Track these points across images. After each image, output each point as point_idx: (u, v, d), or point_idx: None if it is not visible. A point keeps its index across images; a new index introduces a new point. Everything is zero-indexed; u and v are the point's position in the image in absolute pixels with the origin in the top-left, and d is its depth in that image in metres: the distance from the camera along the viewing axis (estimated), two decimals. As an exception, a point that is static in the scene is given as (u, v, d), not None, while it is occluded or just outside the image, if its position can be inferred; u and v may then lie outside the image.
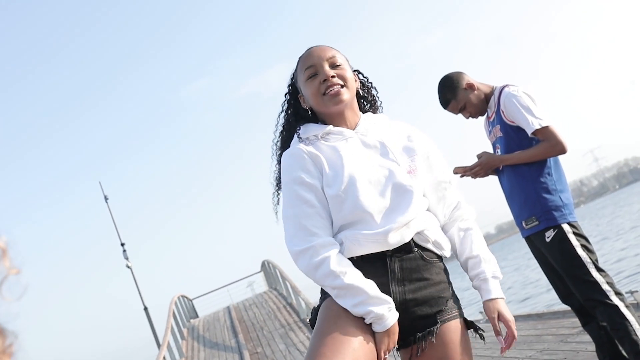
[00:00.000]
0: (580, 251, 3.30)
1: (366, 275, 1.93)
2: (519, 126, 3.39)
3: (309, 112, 2.19)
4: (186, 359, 15.77)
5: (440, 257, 2.08)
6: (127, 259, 22.37)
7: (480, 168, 3.55)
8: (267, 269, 23.75)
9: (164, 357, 13.24)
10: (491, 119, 3.60)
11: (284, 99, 2.24)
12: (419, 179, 2.05)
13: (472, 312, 15.51)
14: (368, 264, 1.96)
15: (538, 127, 3.30)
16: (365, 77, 2.29)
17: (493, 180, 3.68)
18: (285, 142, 2.22)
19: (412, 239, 1.99)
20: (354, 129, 2.12)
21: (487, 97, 3.58)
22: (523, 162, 3.40)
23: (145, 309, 21.54)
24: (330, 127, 2.10)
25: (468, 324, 2.06)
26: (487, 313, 2.04)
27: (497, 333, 2.02)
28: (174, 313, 18.06)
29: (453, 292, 2.08)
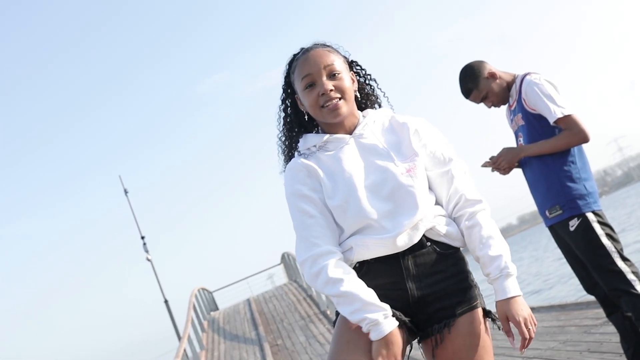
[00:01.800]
0: (605, 240, 3.26)
1: (380, 275, 1.99)
2: (540, 114, 3.35)
3: (306, 116, 2.18)
4: (207, 351, 15.85)
5: (456, 248, 2.06)
6: (147, 252, 22.53)
7: (503, 159, 3.51)
8: (287, 261, 23.79)
9: (184, 350, 13.30)
10: (513, 108, 3.56)
11: (281, 101, 2.22)
12: (421, 177, 2.03)
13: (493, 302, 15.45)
14: (381, 264, 1.99)
15: (560, 115, 3.26)
16: (364, 70, 2.24)
17: (516, 171, 3.64)
18: (287, 154, 2.22)
19: (423, 235, 2.00)
20: (352, 132, 2.12)
21: (509, 86, 3.54)
22: (545, 152, 3.36)
23: (166, 301, 21.67)
24: (328, 136, 2.10)
25: (486, 313, 2.05)
26: (497, 314, 2.00)
27: (508, 334, 1.97)
28: (194, 305, 18.14)
29: (472, 281, 2.06)
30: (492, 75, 3.54)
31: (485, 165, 3.59)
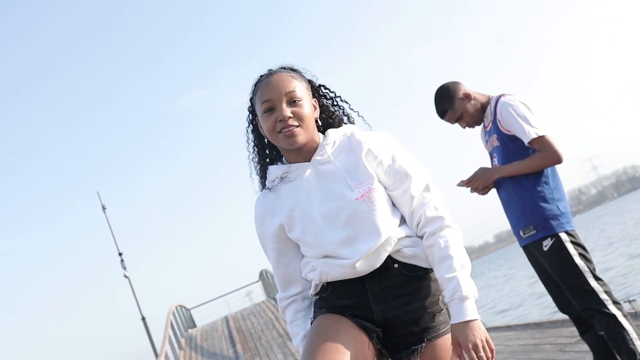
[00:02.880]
0: (578, 260, 3.29)
1: (346, 296, 2.01)
2: (515, 135, 3.39)
3: (266, 139, 2.18)
4: (184, 369, 15.70)
5: (427, 269, 2.02)
6: (124, 268, 22.35)
7: (477, 180, 3.54)
8: (265, 278, 23.72)
9: (161, 367, 13.18)
10: (488, 129, 3.60)
11: (247, 121, 2.20)
12: (379, 200, 1.99)
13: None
14: (346, 285, 2.00)
15: (534, 136, 3.30)
16: (332, 93, 2.20)
17: (493, 190, 3.67)
18: (260, 178, 2.21)
19: (389, 256, 1.97)
20: (311, 159, 2.08)
21: (484, 107, 3.58)
22: (519, 173, 3.40)
23: (143, 318, 21.50)
24: (287, 167, 2.09)
25: None
26: (452, 339, 1.93)
27: None
28: (171, 323, 18.01)
29: (444, 304, 2.01)
30: (467, 96, 3.57)
31: (460, 184, 3.62)
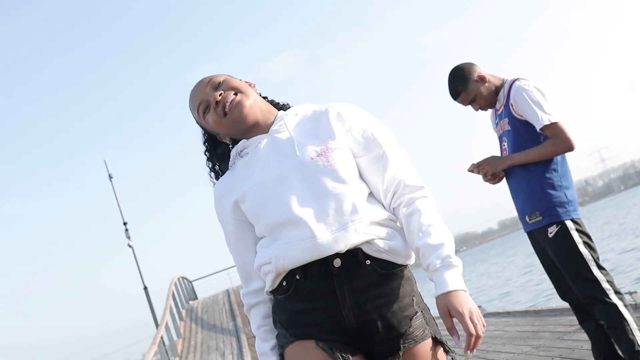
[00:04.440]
0: (582, 248, 3.30)
1: (312, 298, 1.76)
2: (527, 121, 3.38)
3: (230, 144, 2.04)
4: (184, 340, 15.83)
5: (401, 266, 1.81)
6: (129, 238, 22.46)
7: (487, 165, 3.53)
8: (268, 254, 23.75)
9: (161, 337, 13.27)
10: (499, 112, 3.59)
11: (203, 143, 2.08)
12: (341, 162, 1.79)
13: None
14: (311, 284, 1.76)
15: (547, 122, 3.29)
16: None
17: (503, 180, 3.66)
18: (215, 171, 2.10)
19: (361, 250, 1.75)
20: (268, 130, 1.93)
21: (497, 90, 3.56)
22: (531, 161, 3.39)
23: (145, 288, 21.64)
24: (244, 141, 1.94)
25: (439, 343, 1.79)
26: (438, 311, 1.74)
27: (452, 332, 1.71)
28: (173, 294, 18.09)
29: (421, 305, 1.82)
30: (482, 79, 3.56)
31: (470, 169, 3.62)
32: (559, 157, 3.40)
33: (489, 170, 3.53)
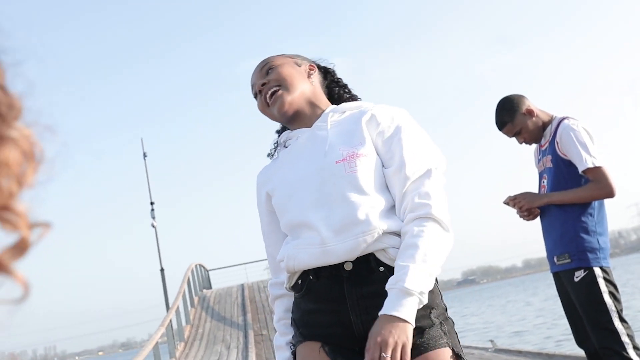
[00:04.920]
0: (606, 297, 3.25)
1: (321, 299, 1.73)
2: (570, 161, 3.34)
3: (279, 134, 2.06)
4: (192, 326, 15.91)
5: None
6: (153, 218, 22.60)
7: (523, 199, 3.50)
8: (288, 255, 23.78)
9: (170, 320, 13.36)
10: (543, 148, 3.55)
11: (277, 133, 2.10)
12: (363, 169, 1.72)
13: (473, 340, 15.40)
14: (322, 285, 1.73)
15: (591, 165, 3.25)
16: (332, 68, 2.05)
17: (537, 217, 3.61)
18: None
19: (374, 256, 1.69)
20: (312, 124, 1.90)
21: (545, 126, 3.53)
22: (568, 202, 3.35)
23: (162, 270, 21.74)
24: (288, 132, 1.94)
25: (457, 356, 1.69)
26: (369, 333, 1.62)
27: (370, 357, 1.57)
28: (188, 279, 18.20)
29: (441, 318, 1.71)
30: (530, 112, 3.53)
31: (506, 201, 3.59)
32: (596, 203, 3.35)
33: (524, 205, 3.50)
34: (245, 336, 13.75)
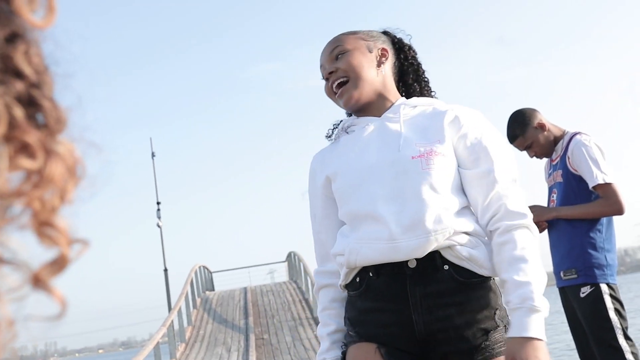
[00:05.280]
0: (612, 314, 3.24)
1: (382, 297, 1.68)
2: (581, 176, 3.34)
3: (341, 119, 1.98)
4: (193, 328, 15.92)
5: (483, 277, 1.67)
6: (159, 218, 22.61)
7: (532, 212, 3.48)
8: (292, 260, 23.79)
9: (172, 321, 13.37)
10: (554, 162, 3.55)
11: None
12: (439, 168, 1.68)
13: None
14: (383, 283, 1.67)
15: (601, 182, 3.25)
16: (416, 61, 1.93)
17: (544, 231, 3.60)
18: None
19: (439, 254, 1.64)
20: (381, 115, 1.82)
21: (556, 140, 3.53)
22: (577, 217, 3.35)
23: (165, 270, 21.75)
24: (354, 118, 1.87)
25: None
26: (505, 355, 1.58)
27: None
28: (192, 281, 18.21)
29: (505, 320, 1.66)
30: (541, 126, 3.53)
31: None
32: (605, 219, 3.35)
33: (533, 217, 3.49)
34: (247, 339, 13.75)
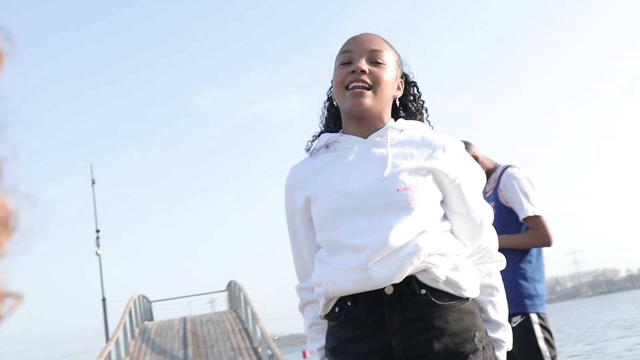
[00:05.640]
0: (541, 343, 3.33)
1: (361, 326, 1.66)
2: (512, 208, 3.44)
3: (335, 101, 1.88)
4: (131, 359, 15.62)
5: (461, 299, 1.68)
6: (98, 246, 22.27)
7: None
8: (232, 289, 23.63)
9: (109, 352, 13.11)
10: (487, 194, 3.63)
11: (325, 103, 1.97)
12: (423, 200, 1.67)
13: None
14: (362, 311, 1.67)
15: (531, 214, 3.35)
16: (419, 93, 1.93)
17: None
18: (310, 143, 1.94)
19: (416, 279, 1.64)
20: (367, 135, 1.80)
21: (489, 173, 3.62)
22: (506, 247, 3.43)
23: (104, 299, 21.39)
24: (339, 135, 1.82)
25: None
26: None
27: None
28: (130, 310, 17.93)
29: (485, 342, 1.69)
30: (475, 159, 3.61)
31: None
32: (535, 250, 3.45)
33: None
34: (185, 370, 13.56)
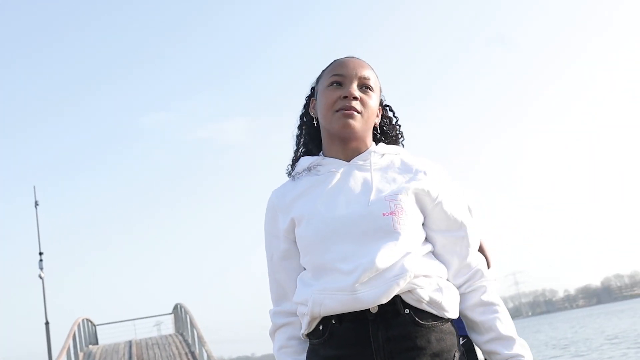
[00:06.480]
0: (481, 363, 3.60)
1: (345, 344, 1.68)
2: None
3: (315, 122, 1.93)
4: (76, 383, 15.50)
5: (443, 319, 1.72)
6: (41, 269, 22.00)
7: None
8: (179, 313, 23.56)
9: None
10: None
11: (303, 107, 2.00)
12: (409, 223, 1.72)
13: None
14: (346, 330, 1.68)
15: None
16: (395, 117, 1.99)
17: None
18: (291, 167, 1.98)
19: (400, 298, 1.67)
20: (350, 160, 1.85)
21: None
22: None
23: (47, 323, 21.09)
24: (321, 158, 1.87)
25: None
26: None
27: None
28: (74, 334, 17.77)
29: None
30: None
31: None
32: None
33: None
34: (132, 395, 13.55)
